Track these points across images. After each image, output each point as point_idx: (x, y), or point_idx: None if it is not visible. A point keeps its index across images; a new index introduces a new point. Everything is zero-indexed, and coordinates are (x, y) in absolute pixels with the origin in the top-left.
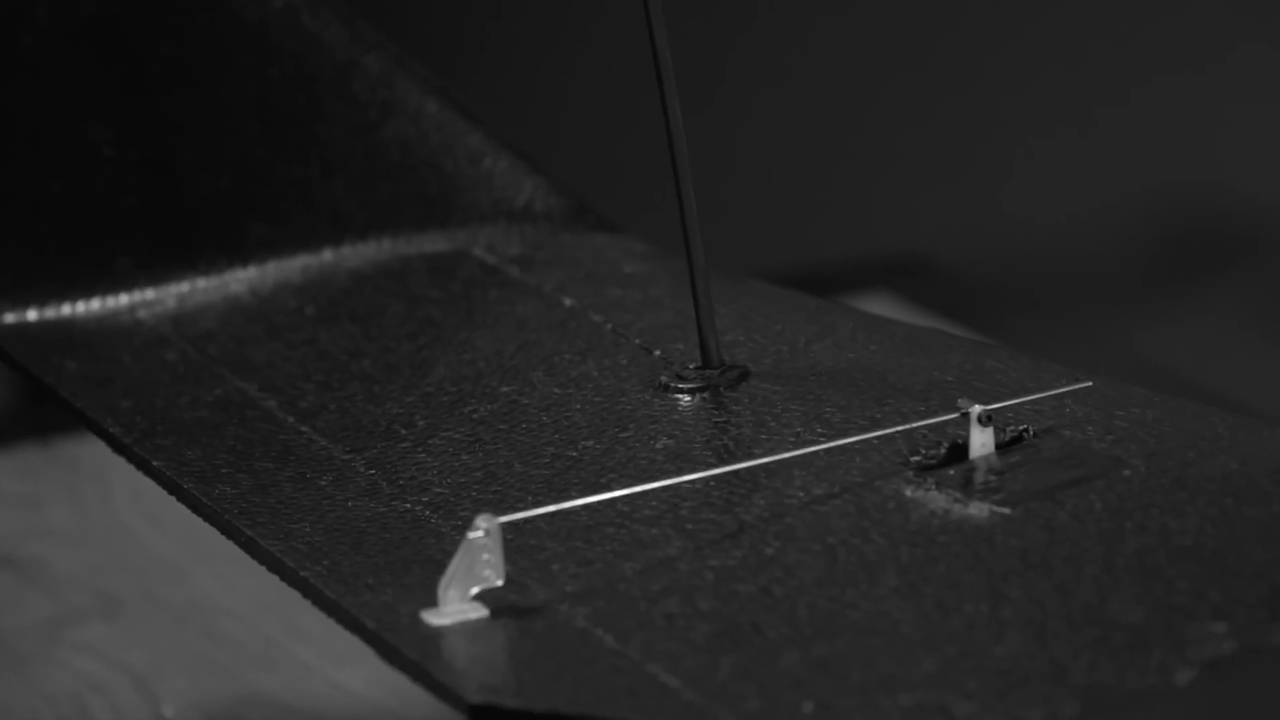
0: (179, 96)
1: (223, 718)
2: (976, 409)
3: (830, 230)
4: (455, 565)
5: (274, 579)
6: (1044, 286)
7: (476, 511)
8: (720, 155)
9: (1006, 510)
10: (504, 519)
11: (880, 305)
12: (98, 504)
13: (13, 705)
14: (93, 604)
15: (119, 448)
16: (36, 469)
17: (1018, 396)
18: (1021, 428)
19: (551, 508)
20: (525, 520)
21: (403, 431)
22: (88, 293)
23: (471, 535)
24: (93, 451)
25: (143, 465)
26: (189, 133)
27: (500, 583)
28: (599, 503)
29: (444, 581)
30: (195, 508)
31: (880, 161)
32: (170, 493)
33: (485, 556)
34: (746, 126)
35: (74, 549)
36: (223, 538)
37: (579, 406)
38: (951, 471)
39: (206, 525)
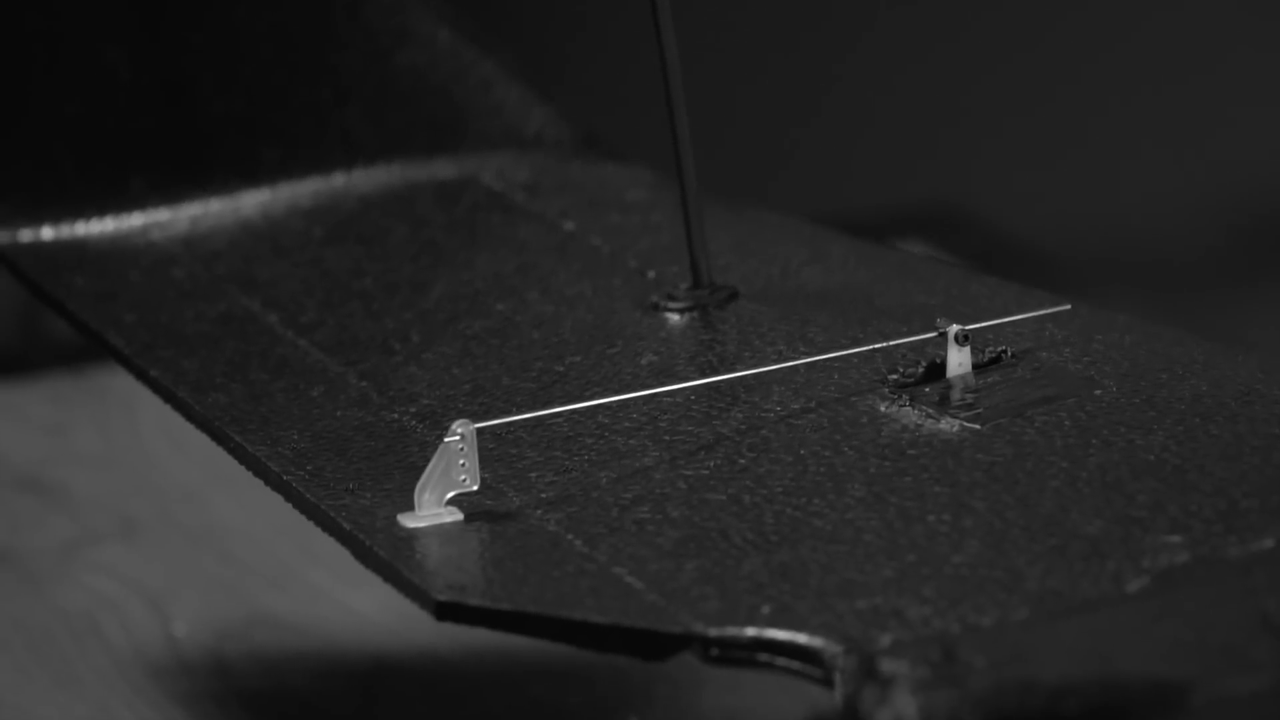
0: (195, 21)
1: (233, 637)
2: (954, 328)
3: (871, 176)
4: (431, 469)
5: (289, 506)
6: (1083, 251)
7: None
8: (768, 98)
9: (976, 426)
10: (480, 425)
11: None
12: (123, 431)
13: (28, 621)
14: (111, 526)
15: (120, 359)
16: (65, 396)
17: (998, 318)
18: (1000, 349)
19: (527, 415)
20: (506, 430)
21: (397, 346)
22: (101, 212)
23: (448, 440)
24: (122, 381)
25: (141, 375)
26: (204, 57)
27: (475, 488)
28: (581, 415)
29: (420, 485)
30: (188, 415)
31: (931, 110)
32: (165, 401)
33: (461, 462)
34: (802, 71)
35: (96, 473)
36: (242, 465)
37: (570, 324)
38: (927, 389)
39: (227, 452)
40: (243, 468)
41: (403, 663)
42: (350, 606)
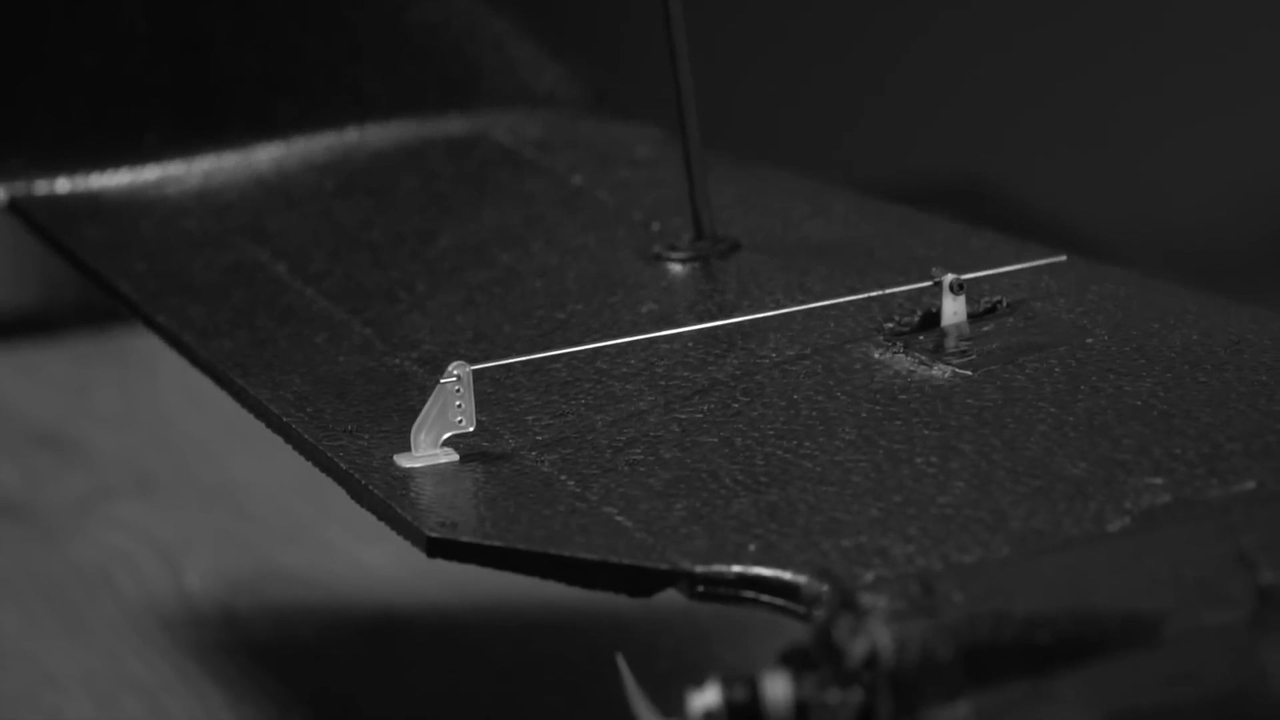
0: None
1: (243, 590)
2: (949, 277)
3: (899, 147)
4: (427, 411)
5: (306, 463)
6: (1107, 233)
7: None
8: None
9: (968, 373)
10: (476, 367)
11: None
12: (142, 390)
13: (42, 573)
14: (127, 482)
15: (129, 306)
16: (88, 356)
17: (994, 269)
18: (995, 299)
19: (523, 357)
20: (505, 375)
21: (402, 295)
22: (116, 165)
23: (444, 381)
24: (142, 342)
25: (148, 322)
26: (221, 11)
27: (471, 429)
28: (579, 360)
29: (416, 426)
30: (193, 360)
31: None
32: (171, 347)
33: (457, 403)
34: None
35: (115, 431)
36: (260, 424)
37: (573, 274)
38: (921, 337)
39: (246, 412)
40: (259, 426)
41: (410, 616)
42: (360, 562)
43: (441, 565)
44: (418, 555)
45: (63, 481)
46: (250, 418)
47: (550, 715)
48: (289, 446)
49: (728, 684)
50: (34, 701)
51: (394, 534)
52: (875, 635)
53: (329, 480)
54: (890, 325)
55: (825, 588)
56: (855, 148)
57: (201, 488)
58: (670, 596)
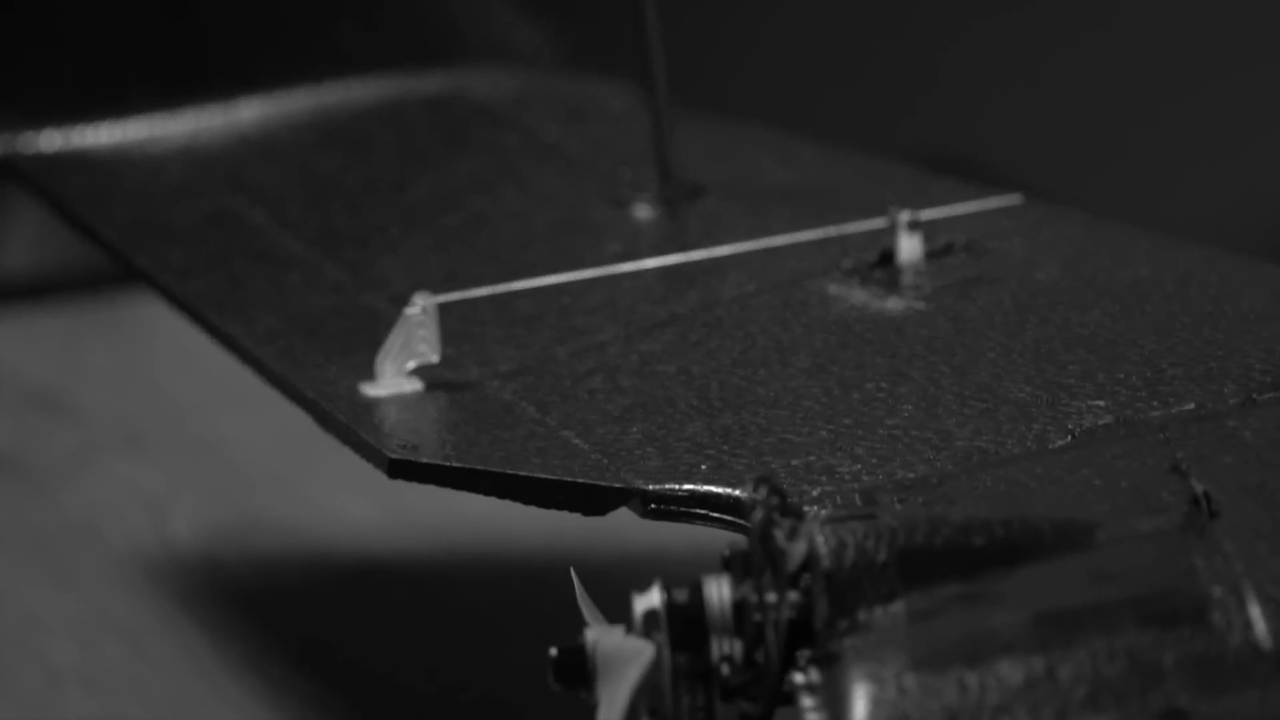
0: None
1: (228, 540)
2: (905, 214)
3: (888, 122)
4: (392, 340)
5: (294, 421)
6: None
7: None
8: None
9: (921, 305)
10: (440, 298)
11: None
12: (136, 351)
13: (31, 524)
14: (117, 438)
15: (109, 250)
16: (81, 318)
17: (952, 210)
18: (951, 239)
19: (487, 288)
20: (470, 310)
21: (375, 239)
22: (101, 120)
23: (409, 312)
24: (138, 305)
25: (127, 265)
26: None
27: (435, 359)
28: (543, 296)
29: (381, 355)
30: (169, 300)
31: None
32: (150, 287)
33: (421, 333)
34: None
35: (107, 390)
36: (249, 383)
37: (542, 219)
38: (878, 273)
39: (237, 370)
40: (247, 385)
41: (391, 565)
42: (343, 514)
43: (421, 518)
44: (398, 508)
45: (54, 438)
46: (238, 377)
47: (524, 663)
48: (275, 405)
49: (669, 587)
50: (20, 644)
51: (375, 488)
52: (812, 538)
53: (313, 436)
54: (848, 263)
55: (762, 491)
56: (842, 123)
57: (189, 444)
58: (645, 549)
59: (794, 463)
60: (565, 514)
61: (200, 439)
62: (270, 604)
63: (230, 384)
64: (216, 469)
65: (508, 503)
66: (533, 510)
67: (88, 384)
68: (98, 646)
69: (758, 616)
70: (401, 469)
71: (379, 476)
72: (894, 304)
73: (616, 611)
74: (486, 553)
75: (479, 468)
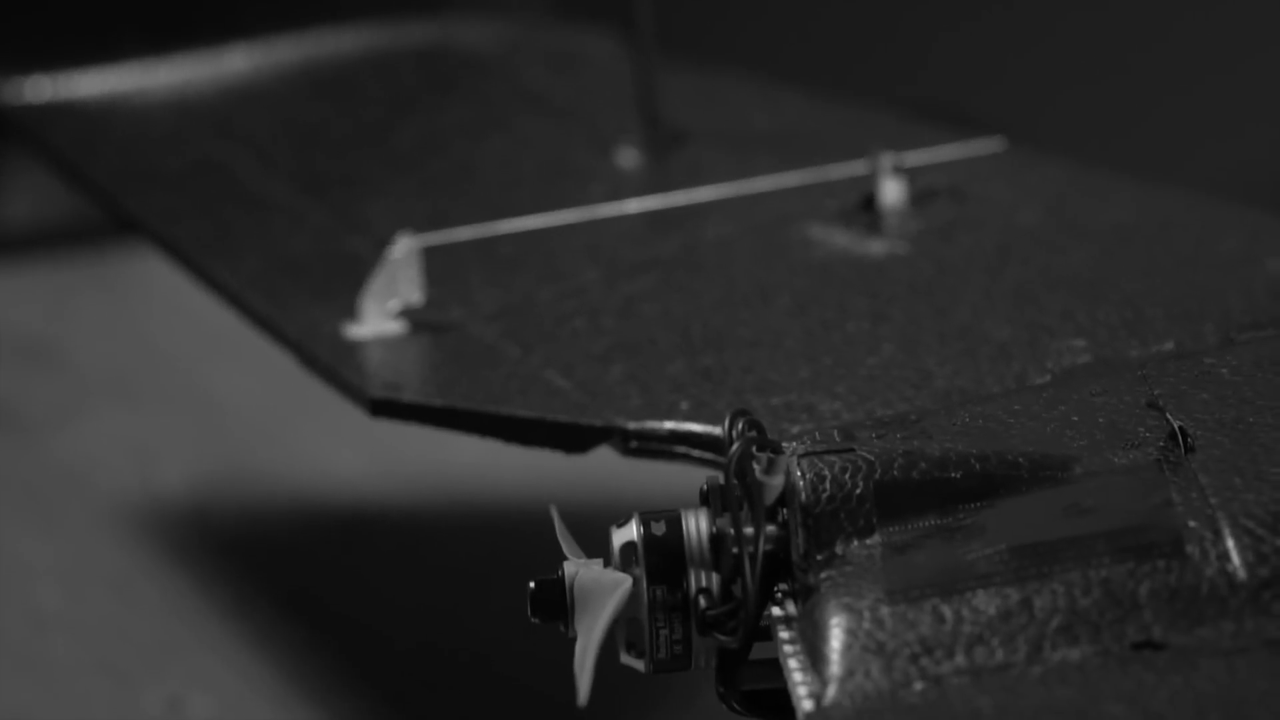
0: None
1: (215, 490)
2: (888, 158)
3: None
4: (375, 280)
5: (282, 372)
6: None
7: None
8: None
9: (903, 247)
10: (424, 240)
11: None
12: (128, 304)
13: (19, 474)
14: (107, 389)
15: (97, 195)
16: (75, 268)
17: (936, 155)
18: (935, 184)
19: (470, 229)
20: (455, 253)
21: (361, 184)
22: (91, 68)
23: (391, 252)
24: (130, 257)
25: (114, 209)
26: None
27: (417, 299)
28: (528, 240)
29: (364, 296)
30: (156, 243)
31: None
32: (139, 232)
33: (404, 273)
34: None
35: (98, 341)
36: (238, 336)
37: (527, 164)
38: (862, 216)
39: (226, 323)
40: (237, 338)
41: (378, 516)
42: (331, 465)
43: (408, 468)
44: (385, 458)
45: (44, 388)
46: (228, 329)
47: (508, 613)
48: (264, 356)
49: (647, 521)
50: (8, 591)
51: (362, 439)
52: (790, 471)
53: (302, 389)
54: (831, 206)
55: (739, 425)
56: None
57: (178, 396)
58: (632, 499)
59: (774, 401)
60: (553, 466)
61: (189, 390)
62: (256, 553)
63: (220, 336)
64: (205, 420)
65: (495, 453)
66: (521, 462)
67: (78, 335)
68: (85, 593)
69: (735, 550)
70: (384, 408)
71: (367, 427)
72: (876, 247)
73: (598, 552)
74: (473, 504)
75: (460, 406)
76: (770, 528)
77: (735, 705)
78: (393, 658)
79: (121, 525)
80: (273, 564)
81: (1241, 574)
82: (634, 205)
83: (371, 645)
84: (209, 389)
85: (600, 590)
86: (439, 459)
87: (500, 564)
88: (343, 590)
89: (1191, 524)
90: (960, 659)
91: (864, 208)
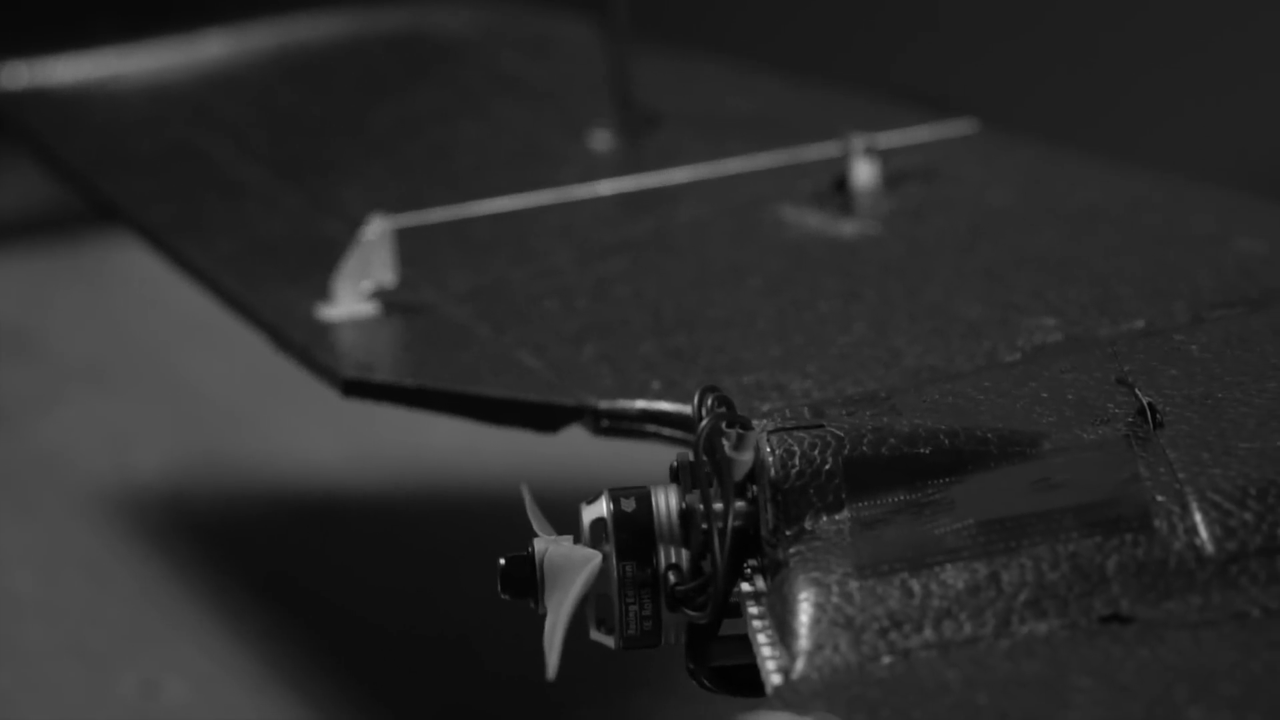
0: None
1: (191, 476)
2: (861, 140)
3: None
4: (348, 261)
5: (258, 358)
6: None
7: None
8: None
9: (875, 228)
10: (397, 221)
11: None
12: (103, 290)
13: None
14: (82, 375)
15: (73, 179)
16: (51, 257)
17: (908, 137)
18: (908, 165)
19: (443, 211)
20: (428, 235)
21: (336, 168)
22: (67, 54)
23: (364, 233)
24: (106, 244)
25: (90, 192)
26: None
27: (390, 280)
28: (501, 222)
29: (337, 276)
30: (134, 227)
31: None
32: (114, 216)
33: (377, 256)
34: None
35: (73, 328)
36: (214, 323)
37: (502, 146)
38: (835, 198)
39: (206, 312)
40: (213, 325)
41: (353, 500)
42: (306, 451)
43: (383, 453)
44: (361, 444)
45: (21, 376)
46: (203, 316)
47: (482, 594)
48: (239, 343)
49: (617, 497)
50: None
51: (338, 424)
52: (759, 447)
53: (277, 376)
54: (804, 187)
55: (709, 401)
56: (806, 56)
57: (154, 382)
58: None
59: (745, 380)
60: (528, 451)
61: (165, 377)
62: (231, 538)
63: (195, 325)
64: (181, 406)
65: (469, 436)
66: (495, 444)
67: (54, 324)
68: (60, 578)
69: (704, 525)
70: (356, 388)
71: (341, 412)
72: (849, 228)
73: (570, 530)
74: (448, 487)
75: (432, 386)
76: (740, 503)
77: (705, 681)
78: (368, 640)
79: (97, 511)
80: (247, 548)
81: (1209, 548)
82: (607, 187)
83: (346, 628)
84: (184, 376)
85: (570, 566)
86: (413, 442)
87: (475, 545)
88: (317, 573)
89: (1159, 498)
90: (929, 633)
91: (836, 189)
